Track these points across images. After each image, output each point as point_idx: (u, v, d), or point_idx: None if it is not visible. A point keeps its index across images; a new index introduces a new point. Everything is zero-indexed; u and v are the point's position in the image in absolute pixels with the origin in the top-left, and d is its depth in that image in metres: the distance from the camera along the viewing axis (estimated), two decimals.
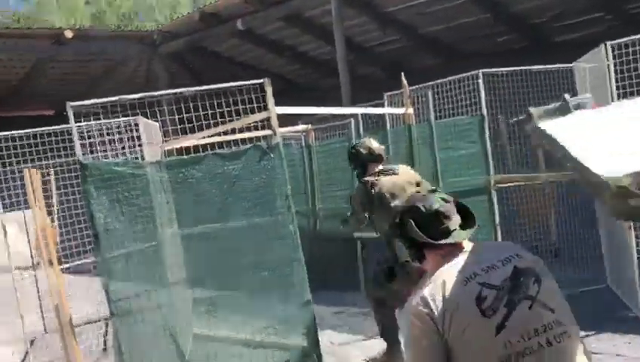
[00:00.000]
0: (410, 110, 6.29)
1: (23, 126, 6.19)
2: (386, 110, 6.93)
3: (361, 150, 4.69)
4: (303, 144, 7.84)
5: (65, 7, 31.61)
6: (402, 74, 6.27)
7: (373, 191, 4.42)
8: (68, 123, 3.67)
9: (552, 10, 11.88)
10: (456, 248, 2.17)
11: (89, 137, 5.02)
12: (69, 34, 12.08)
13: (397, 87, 6.77)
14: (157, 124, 5.98)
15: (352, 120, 7.21)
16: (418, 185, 4.42)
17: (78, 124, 3.74)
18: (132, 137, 5.43)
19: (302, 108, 4.98)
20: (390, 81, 7.19)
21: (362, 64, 13.97)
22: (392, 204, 4.23)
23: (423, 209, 2.22)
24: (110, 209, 3.46)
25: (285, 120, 5.68)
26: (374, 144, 4.72)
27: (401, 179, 4.48)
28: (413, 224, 2.21)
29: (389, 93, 7.15)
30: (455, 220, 2.21)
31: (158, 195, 4.23)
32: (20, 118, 15.34)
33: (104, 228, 3.41)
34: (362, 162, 4.69)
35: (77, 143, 3.45)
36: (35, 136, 5.97)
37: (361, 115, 7.40)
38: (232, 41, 14.06)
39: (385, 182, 4.46)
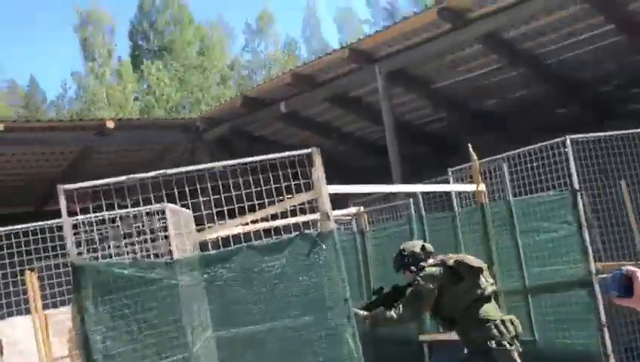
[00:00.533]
0: (482, 186, 5.36)
1: None
2: (454, 187, 6.01)
3: (415, 250, 4.42)
4: (355, 229, 6.94)
5: (114, 103, 32.80)
6: (470, 146, 5.40)
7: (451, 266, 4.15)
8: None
9: (616, 77, 11.03)
10: None
11: (100, 230, 4.25)
12: (110, 124, 11.86)
13: (446, 166, 6.01)
14: (188, 211, 5.24)
15: (411, 200, 6.31)
16: None
17: (81, 216, 2.98)
18: (159, 228, 4.65)
19: (357, 187, 4.14)
20: (441, 159, 6.43)
21: (411, 142, 13.23)
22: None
23: None
24: (114, 328, 2.58)
25: (333, 203, 4.92)
26: (426, 243, 4.56)
27: None
28: None
29: (453, 169, 6.26)
30: None
31: (183, 302, 3.34)
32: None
33: (103, 353, 2.52)
34: (418, 261, 4.37)
35: (69, 238, 2.68)
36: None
37: (422, 194, 6.50)
38: (276, 125, 13.64)
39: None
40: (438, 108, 12.17)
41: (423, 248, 4.36)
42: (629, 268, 1.68)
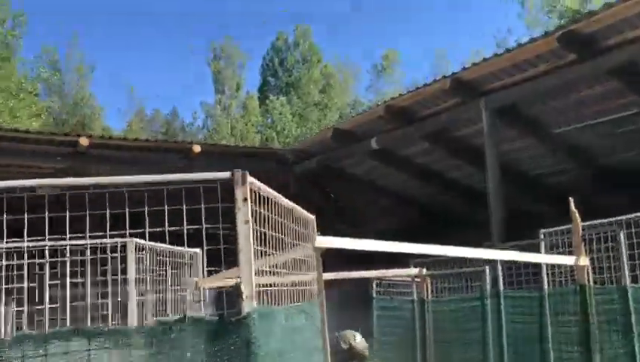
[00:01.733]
0: (585, 260, 3.74)
1: None
2: (542, 257, 4.38)
3: (343, 345, 4.14)
4: (415, 297, 5.49)
5: (237, 135, 33.60)
6: (571, 201, 3.82)
7: None
8: None
9: None
10: None
11: None
12: (197, 148, 11.43)
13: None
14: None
15: (488, 268, 4.78)
16: None
17: None
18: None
19: (370, 243, 2.81)
20: (557, 218, 4.85)
21: (522, 196, 11.33)
22: None
23: None
24: None
25: (392, 258, 3.71)
26: (358, 339, 4.19)
27: None
28: None
29: (547, 230, 4.64)
30: None
31: None
32: None
33: None
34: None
35: None
36: None
37: (502, 262, 4.90)
38: (368, 163, 12.45)
39: None
40: (556, 158, 10.26)
41: (351, 347, 4.11)
42: None
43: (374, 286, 6.08)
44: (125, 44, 54.32)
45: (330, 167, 12.66)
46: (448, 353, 5.01)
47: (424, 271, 5.33)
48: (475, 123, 9.29)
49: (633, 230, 4.00)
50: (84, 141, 10.43)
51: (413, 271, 5.36)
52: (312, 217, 3.26)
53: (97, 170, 11.93)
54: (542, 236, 4.69)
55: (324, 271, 4.94)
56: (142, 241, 3.51)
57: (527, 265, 4.77)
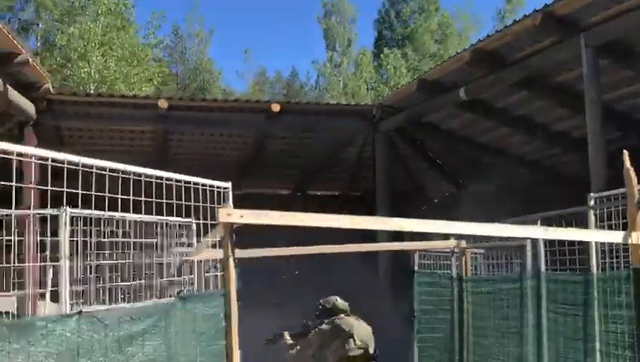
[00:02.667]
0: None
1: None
2: (581, 234, 3.31)
3: (327, 306, 4.79)
4: (454, 270, 4.66)
5: (349, 92, 33.01)
6: (625, 155, 2.81)
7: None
8: None
9: None
10: None
11: None
12: (276, 107, 11.07)
13: None
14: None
15: (529, 242, 3.84)
16: None
17: None
18: None
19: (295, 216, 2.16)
20: None
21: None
22: None
23: None
24: None
25: None
26: (339, 300, 4.80)
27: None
28: None
29: (599, 195, 3.59)
30: None
31: None
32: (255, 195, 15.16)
33: None
34: (330, 315, 4.73)
35: None
36: None
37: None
38: (462, 116, 11.32)
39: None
40: None
41: (334, 305, 4.76)
42: None
43: (417, 258, 5.33)
44: (240, 5, 55.41)
45: (420, 122, 11.71)
46: (486, 343, 4.18)
47: (463, 243, 4.49)
48: (575, 64, 7.88)
49: None
50: (162, 103, 10.50)
51: (452, 243, 4.53)
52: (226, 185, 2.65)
53: (180, 131, 12.09)
54: (591, 201, 3.62)
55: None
56: (76, 211, 3.17)
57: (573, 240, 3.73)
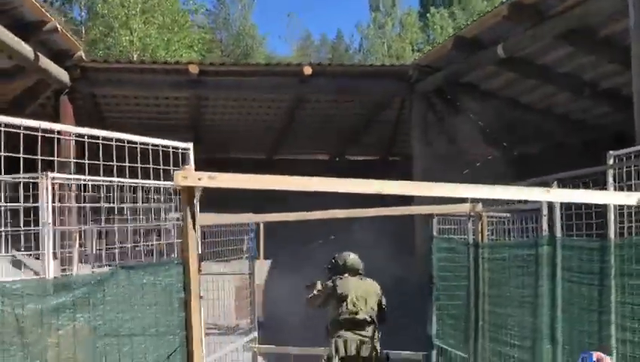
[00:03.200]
0: None
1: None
2: (589, 195, 2.95)
3: (339, 262, 4.84)
4: (470, 234, 4.40)
5: (394, 54, 32.21)
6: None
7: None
8: None
9: None
10: None
11: None
12: (307, 70, 10.83)
13: None
14: None
15: (544, 205, 3.53)
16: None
17: None
18: None
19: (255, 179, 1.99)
20: None
21: None
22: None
23: None
24: None
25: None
26: (352, 256, 4.84)
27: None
28: None
29: (618, 153, 3.24)
30: None
31: None
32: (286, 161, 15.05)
33: None
34: (338, 272, 4.83)
35: None
36: None
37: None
38: (503, 75, 10.76)
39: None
40: None
41: (344, 262, 4.79)
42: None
43: (435, 223, 5.07)
44: None
45: (458, 82, 11.21)
46: (501, 313, 3.92)
47: (479, 206, 4.21)
48: (622, 15, 7.26)
49: None
50: (193, 68, 10.43)
51: (466, 206, 4.26)
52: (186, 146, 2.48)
53: (213, 97, 12.03)
54: (610, 160, 3.25)
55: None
56: (59, 175, 3.09)
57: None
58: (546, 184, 3.39)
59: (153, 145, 2.74)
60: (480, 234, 4.22)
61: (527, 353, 3.59)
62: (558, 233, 3.42)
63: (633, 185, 2.80)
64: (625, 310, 2.89)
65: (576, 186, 3.53)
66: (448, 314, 4.87)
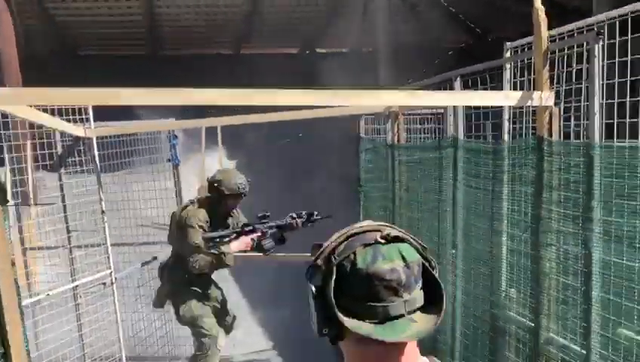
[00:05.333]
0: (547, 95, 2.25)
1: None
2: (461, 97, 2.63)
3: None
4: (388, 138, 4.20)
5: None
6: None
7: None
8: None
9: None
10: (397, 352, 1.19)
11: None
12: None
13: None
14: None
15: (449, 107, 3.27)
16: None
17: None
18: None
19: None
20: None
21: None
22: None
23: (356, 262, 1.18)
24: None
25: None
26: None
27: None
28: (332, 284, 1.19)
29: (514, 44, 2.94)
30: (413, 298, 1.18)
31: None
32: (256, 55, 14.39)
33: None
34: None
35: None
36: None
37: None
38: None
39: None
40: None
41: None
42: None
43: (362, 123, 4.81)
44: None
45: None
46: (415, 218, 3.79)
47: (395, 105, 3.94)
48: None
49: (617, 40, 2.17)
50: None
51: (383, 106, 3.98)
52: None
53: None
54: (507, 52, 2.93)
55: None
56: None
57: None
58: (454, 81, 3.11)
59: None
60: (396, 135, 3.96)
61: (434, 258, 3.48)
62: (461, 134, 3.19)
63: (532, 80, 2.52)
64: (513, 217, 2.73)
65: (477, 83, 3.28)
66: (374, 215, 4.75)
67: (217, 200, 4.17)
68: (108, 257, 4.39)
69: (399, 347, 1.16)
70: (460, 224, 3.17)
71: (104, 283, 4.31)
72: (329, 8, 12.52)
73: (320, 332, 1.20)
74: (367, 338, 1.13)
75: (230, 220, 4.37)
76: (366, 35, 13.73)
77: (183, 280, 4.14)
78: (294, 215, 3.98)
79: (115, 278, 4.45)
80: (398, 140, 3.95)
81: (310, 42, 14.67)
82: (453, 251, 3.29)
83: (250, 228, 4.10)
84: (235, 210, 4.34)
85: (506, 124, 2.85)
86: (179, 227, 4.14)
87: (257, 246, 4.10)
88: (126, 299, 4.87)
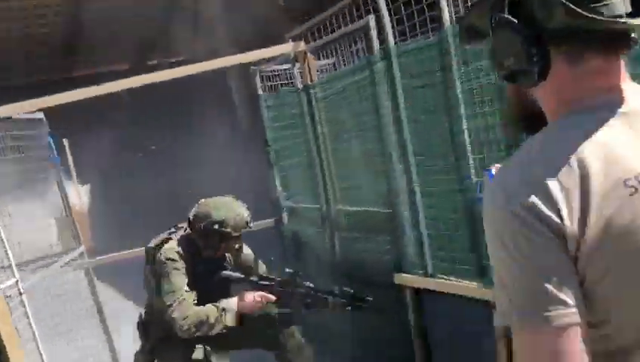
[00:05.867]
0: None
1: None
2: None
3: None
4: (299, 83, 3.92)
5: None
6: None
7: None
8: None
9: None
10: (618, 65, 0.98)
11: None
12: None
13: None
14: None
15: (371, 18, 3.09)
16: None
17: None
18: None
19: None
20: None
21: None
22: None
23: None
24: None
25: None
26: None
27: None
28: None
29: None
30: None
31: None
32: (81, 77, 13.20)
33: None
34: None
35: None
36: None
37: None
38: None
39: None
40: None
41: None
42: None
43: (258, 80, 4.47)
44: None
45: None
46: (347, 150, 3.55)
47: (302, 45, 3.70)
48: None
49: None
50: None
51: (287, 47, 3.72)
52: None
53: None
54: None
55: None
56: None
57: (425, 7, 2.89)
58: None
59: None
60: (308, 75, 3.67)
61: (380, 179, 3.24)
62: (392, 42, 3.00)
63: None
64: (475, 96, 2.60)
65: None
66: (293, 172, 4.41)
67: (211, 245, 3.16)
68: None
69: (619, 61, 0.99)
70: (407, 130, 2.90)
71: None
72: (160, 19, 11.83)
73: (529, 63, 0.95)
74: (584, 53, 0.96)
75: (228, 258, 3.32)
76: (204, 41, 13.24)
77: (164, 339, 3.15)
78: (336, 290, 3.04)
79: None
80: (311, 79, 3.65)
81: (142, 55, 13.84)
82: (400, 166, 3.06)
83: (269, 283, 3.08)
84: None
85: (446, 11, 2.65)
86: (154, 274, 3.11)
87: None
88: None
